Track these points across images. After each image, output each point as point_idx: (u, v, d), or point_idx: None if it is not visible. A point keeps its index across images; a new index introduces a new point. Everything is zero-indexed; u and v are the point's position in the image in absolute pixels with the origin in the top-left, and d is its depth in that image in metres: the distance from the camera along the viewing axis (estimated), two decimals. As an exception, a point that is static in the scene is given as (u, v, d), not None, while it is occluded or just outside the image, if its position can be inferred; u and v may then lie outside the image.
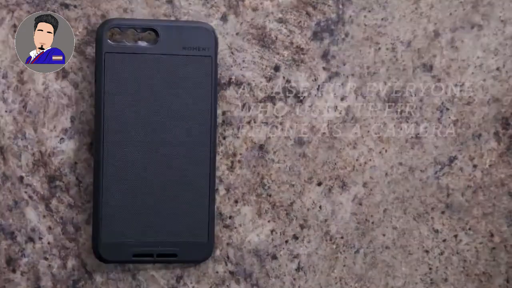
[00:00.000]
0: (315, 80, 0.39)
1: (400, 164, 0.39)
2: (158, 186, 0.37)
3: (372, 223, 0.39)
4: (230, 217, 0.39)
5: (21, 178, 0.38)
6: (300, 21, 0.38)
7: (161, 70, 0.37)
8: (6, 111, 0.38)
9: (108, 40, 0.36)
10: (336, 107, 0.39)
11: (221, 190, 0.39)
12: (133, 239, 0.36)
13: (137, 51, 0.36)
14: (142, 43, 0.36)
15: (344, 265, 0.39)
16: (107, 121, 0.36)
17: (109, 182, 0.36)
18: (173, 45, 0.36)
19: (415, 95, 0.39)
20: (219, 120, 0.38)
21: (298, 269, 0.39)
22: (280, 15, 0.38)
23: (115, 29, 0.36)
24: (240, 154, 0.39)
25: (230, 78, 0.39)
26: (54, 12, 0.37)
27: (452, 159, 0.39)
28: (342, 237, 0.39)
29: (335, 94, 0.39)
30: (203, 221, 0.37)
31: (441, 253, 0.40)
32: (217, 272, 0.39)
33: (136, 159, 0.36)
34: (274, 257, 0.39)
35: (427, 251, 0.40)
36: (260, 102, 0.39)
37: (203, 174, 0.37)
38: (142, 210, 0.37)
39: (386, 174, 0.39)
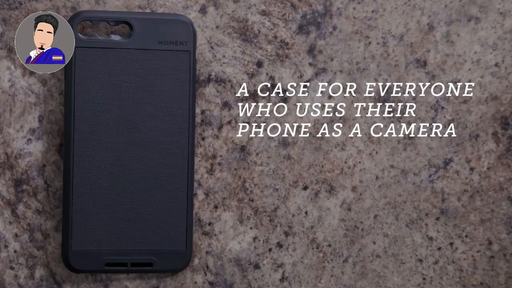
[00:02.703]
0: (301, 77, 0.39)
1: (392, 166, 0.39)
2: (133, 191, 0.37)
3: (362, 230, 0.39)
4: (210, 224, 0.38)
5: None
6: (284, 14, 0.38)
7: (135, 66, 0.36)
8: None
9: (79, 34, 0.35)
10: (323, 106, 0.39)
11: (200, 195, 0.38)
12: (105, 247, 0.36)
13: (110, 45, 0.36)
14: (115, 37, 0.36)
15: (332, 275, 0.39)
16: (77, 121, 0.36)
17: (80, 186, 0.36)
18: (149, 39, 0.36)
19: (408, 93, 0.39)
20: (198, 119, 0.38)
21: (283, 279, 0.39)
22: (263, 7, 0.38)
23: (86, 22, 0.36)
24: (220, 156, 0.38)
25: (210, 75, 0.38)
26: (21, 4, 0.37)
27: (447, 162, 0.39)
28: (329, 245, 0.39)
29: (322, 92, 0.39)
30: (181, 228, 0.37)
31: (436, 262, 0.40)
32: (195, 283, 0.38)
33: (108, 162, 0.36)
34: (257, 267, 0.39)
35: (420, 260, 0.39)
36: (242, 100, 0.38)
37: (180, 178, 0.37)
38: (115, 216, 0.36)
39: (377, 177, 0.39)
